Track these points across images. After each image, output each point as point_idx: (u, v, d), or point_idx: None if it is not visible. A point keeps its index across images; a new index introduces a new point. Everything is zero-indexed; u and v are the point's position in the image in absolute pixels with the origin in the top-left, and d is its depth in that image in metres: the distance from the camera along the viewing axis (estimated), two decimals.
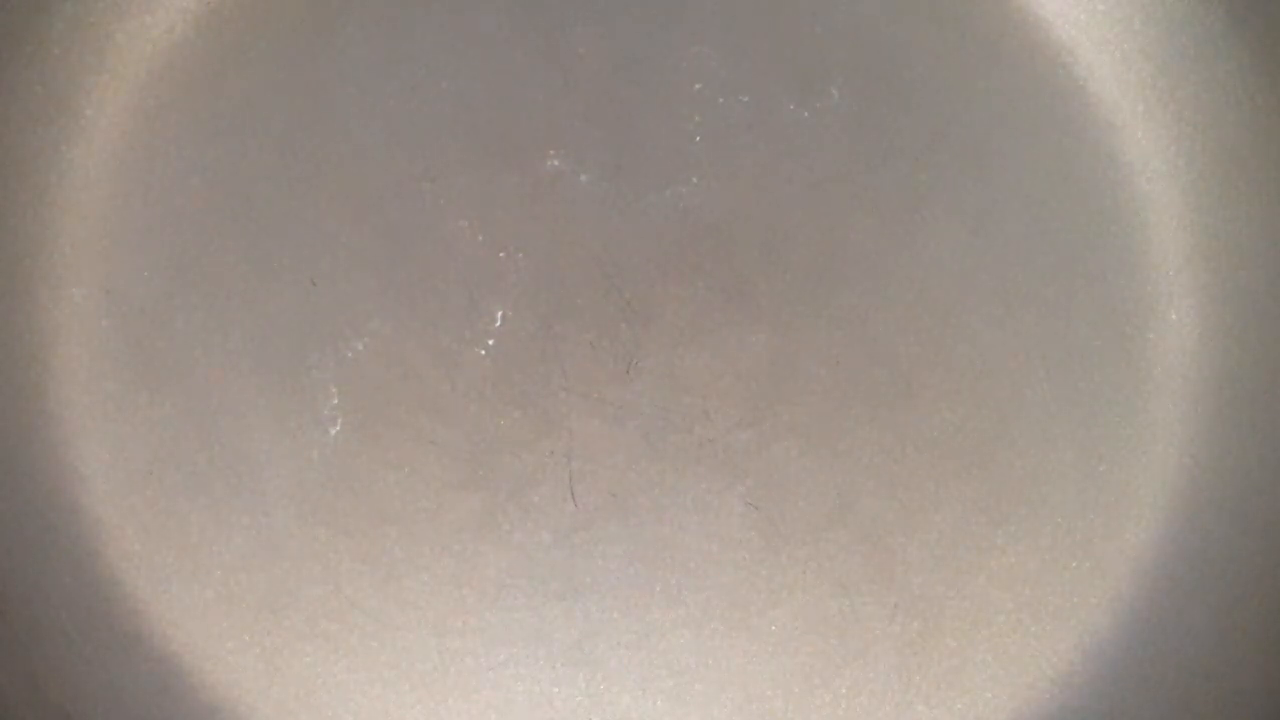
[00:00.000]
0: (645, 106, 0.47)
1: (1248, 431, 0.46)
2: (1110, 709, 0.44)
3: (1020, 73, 0.48)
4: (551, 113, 0.47)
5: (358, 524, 0.45)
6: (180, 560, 0.44)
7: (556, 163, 0.47)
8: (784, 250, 0.47)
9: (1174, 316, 0.47)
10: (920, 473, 0.45)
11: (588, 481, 0.45)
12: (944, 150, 0.48)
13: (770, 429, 0.45)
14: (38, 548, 0.44)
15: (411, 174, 0.47)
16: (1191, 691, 0.43)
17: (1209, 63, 0.48)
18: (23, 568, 0.44)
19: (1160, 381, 0.46)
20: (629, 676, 0.44)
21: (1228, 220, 0.47)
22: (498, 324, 0.46)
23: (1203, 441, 0.46)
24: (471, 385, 0.45)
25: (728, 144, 0.48)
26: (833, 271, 0.47)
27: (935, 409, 0.46)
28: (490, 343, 0.46)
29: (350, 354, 0.46)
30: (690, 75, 0.48)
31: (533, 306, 0.46)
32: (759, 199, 0.47)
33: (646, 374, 0.46)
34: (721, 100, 0.48)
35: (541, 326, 0.46)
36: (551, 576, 0.45)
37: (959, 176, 0.47)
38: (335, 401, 0.45)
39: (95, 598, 0.44)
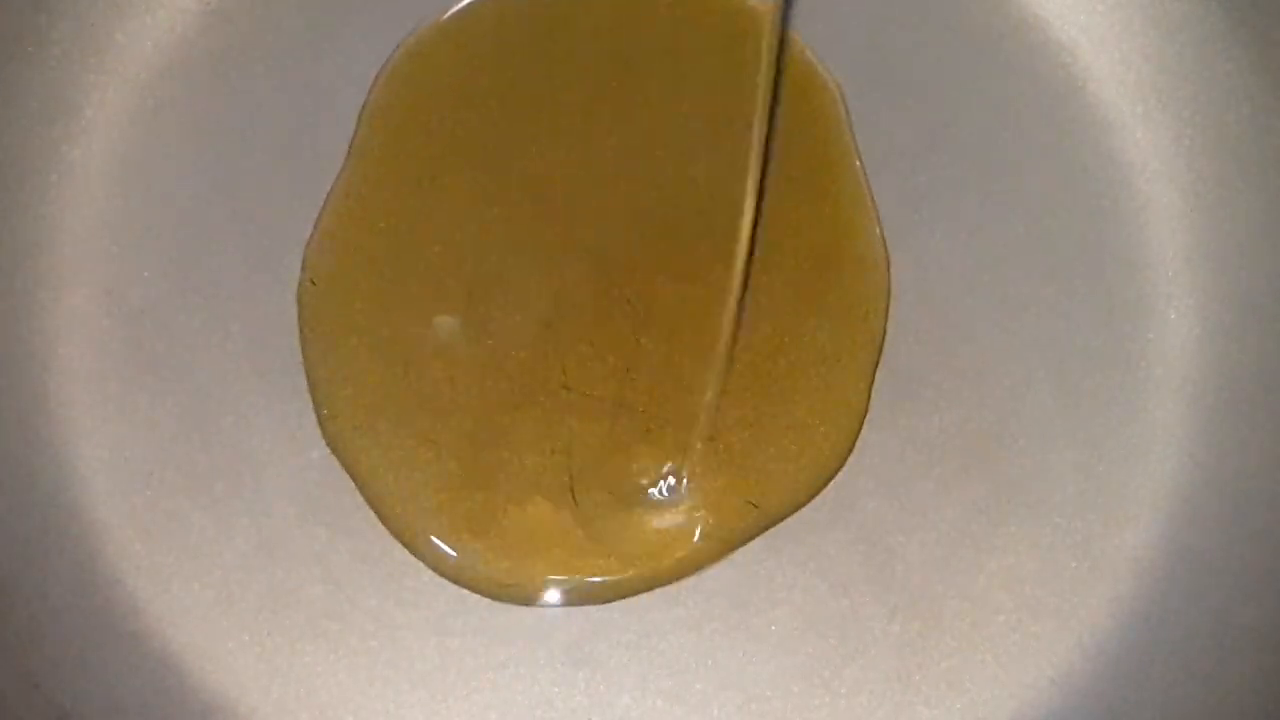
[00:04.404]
0: (646, 106, 0.48)
1: (1247, 431, 0.46)
2: (1110, 709, 0.44)
3: (1020, 73, 0.48)
4: (552, 112, 0.47)
5: (358, 524, 0.45)
6: (180, 560, 0.44)
7: (557, 163, 0.47)
8: (784, 250, 0.47)
9: (1174, 316, 0.47)
10: (920, 473, 0.45)
11: (588, 481, 0.45)
12: (944, 150, 0.48)
13: (770, 429, 0.45)
14: (38, 548, 0.44)
15: (411, 173, 0.47)
16: (1191, 691, 0.43)
17: (1209, 63, 0.48)
18: (23, 568, 0.44)
19: (1160, 381, 0.46)
20: (629, 676, 0.44)
21: (1228, 220, 0.47)
22: (498, 324, 0.46)
23: (1202, 441, 0.46)
24: (472, 385, 0.45)
25: (729, 143, 0.47)
26: (833, 271, 0.47)
27: (935, 409, 0.46)
28: (490, 343, 0.46)
29: (350, 354, 0.46)
30: (691, 75, 0.48)
31: (533, 306, 0.46)
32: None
33: (646, 374, 0.46)
34: (723, 100, 0.48)
35: (542, 326, 0.46)
36: (551, 576, 0.45)
37: (959, 176, 0.48)
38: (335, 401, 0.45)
39: (95, 598, 0.44)
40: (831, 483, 0.45)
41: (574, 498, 0.45)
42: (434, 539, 0.44)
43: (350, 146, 0.47)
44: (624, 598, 0.44)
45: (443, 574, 0.44)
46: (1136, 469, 0.46)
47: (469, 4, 0.48)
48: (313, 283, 0.46)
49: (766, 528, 0.45)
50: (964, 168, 0.48)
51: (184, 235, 0.46)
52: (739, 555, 0.45)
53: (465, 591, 0.44)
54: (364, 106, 0.47)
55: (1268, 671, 0.43)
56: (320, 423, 0.45)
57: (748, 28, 0.48)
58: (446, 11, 0.48)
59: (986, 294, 0.47)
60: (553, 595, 0.44)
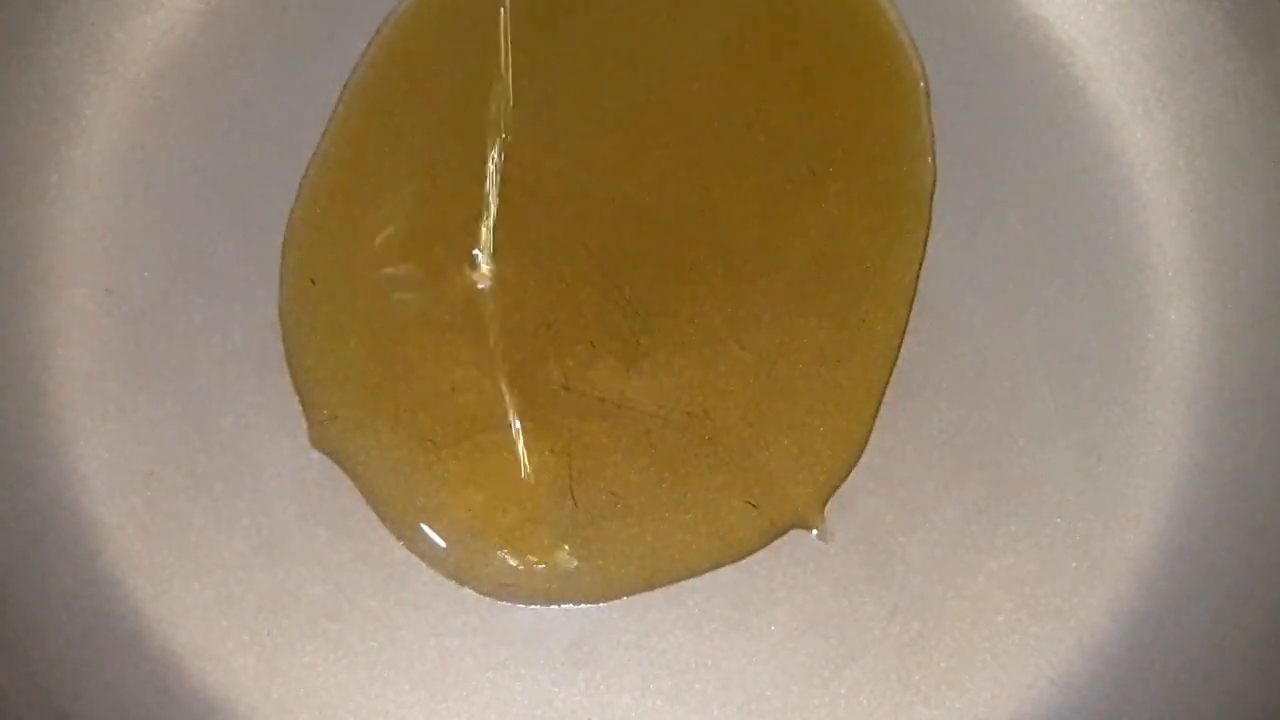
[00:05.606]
0: (646, 106, 0.47)
1: (1247, 431, 0.46)
2: (1110, 709, 0.44)
3: (1020, 73, 0.48)
4: (552, 113, 0.47)
5: (358, 524, 0.45)
6: (180, 560, 0.44)
7: (557, 162, 0.47)
8: (784, 250, 0.47)
9: (1173, 316, 0.47)
10: (920, 473, 0.45)
11: (588, 481, 0.45)
12: (944, 150, 0.48)
13: (771, 429, 0.45)
14: (38, 548, 0.44)
15: (410, 174, 0.47)
16: (1191, 691, 0.43)
17: (1209, 63, 0.48)
18: (23, 568, 0.44)
19: (1160, 381, 0.46)
20: (629, 676, 0.44)
21: (1227, 220, 0.47)
22: (498, 324, 0.46)
23: (1202, 441, 0.46)
24: (472, 385, 0.45)
25: (729, 143, 0.47)
26: (832, 271, 0.47)
27: (935, 409, 0.46)
28: (490, 342, 0.46)
29: (349, 353, 0.46)
30: (691, 74, 0.48)
31: (533, 306, 0.46)
32: (760, 199, 0.47)
33: (646, 374, 0.46)
34: (722, 99, 0.48)
35: (542, 326, 0.46)
36: (551, 576, 0.45)
37: (959, 176, 0.47)
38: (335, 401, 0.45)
39: (95, 598, 0.44)
40: None
41: (574, 498, 0.45)
42: (434, 538, 0.44)
43: (342, 139, 0.47)
44: (623, 597, 0.44)
45: (443, 573, 0.44)
46: (1136, 469, 0.46)
47: None
48: (313, 282, 0.46)
49: (775, 536, 0.45)
50: (964, 168, 0.48)
51: (184, 235, 0.46)
52: None
53: (465, 591, 0.44)
54: (351, 99, 0.47)
55: (1268, 671, 0.43)
56: (320, 423, 0.45)
57: (751, 25, 0.48)
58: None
59: (986, 294, 0.47)
60: (552, 594, 0.44)
